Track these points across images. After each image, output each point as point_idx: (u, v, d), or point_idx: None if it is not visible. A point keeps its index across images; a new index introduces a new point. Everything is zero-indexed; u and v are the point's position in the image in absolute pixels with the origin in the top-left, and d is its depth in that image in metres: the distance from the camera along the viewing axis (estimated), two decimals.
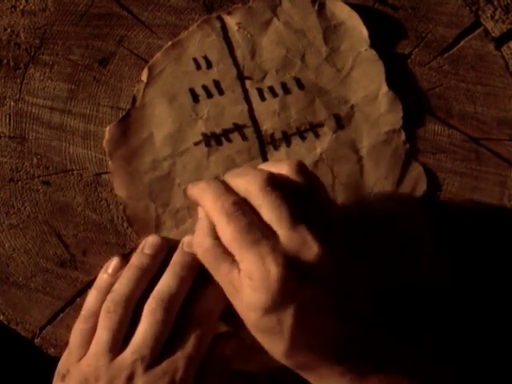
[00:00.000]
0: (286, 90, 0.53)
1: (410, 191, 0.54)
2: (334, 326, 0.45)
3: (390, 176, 0.54)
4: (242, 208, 0.44)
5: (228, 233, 0.44)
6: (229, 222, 0.44)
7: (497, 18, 0.54)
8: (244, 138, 0.53)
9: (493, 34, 0.54)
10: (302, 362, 0.46)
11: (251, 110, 0.53)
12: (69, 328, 0.53)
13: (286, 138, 0.54)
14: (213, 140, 0.53)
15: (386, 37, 0.54)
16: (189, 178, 0.53)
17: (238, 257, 0.44)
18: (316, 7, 0.54)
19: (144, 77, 0.53)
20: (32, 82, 0.53)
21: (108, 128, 0.53)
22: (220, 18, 0.53)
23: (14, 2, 0.53)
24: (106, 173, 0.53)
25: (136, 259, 0.51)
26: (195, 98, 0.53)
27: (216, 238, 0.45)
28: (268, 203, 0.44)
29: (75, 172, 0.53)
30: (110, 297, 0.50)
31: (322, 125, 0.54)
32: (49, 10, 0.53)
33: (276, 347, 0.45)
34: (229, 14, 0.53)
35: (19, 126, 0.53)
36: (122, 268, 0.51)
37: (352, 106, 0.54)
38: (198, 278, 0.51)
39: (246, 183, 0.45)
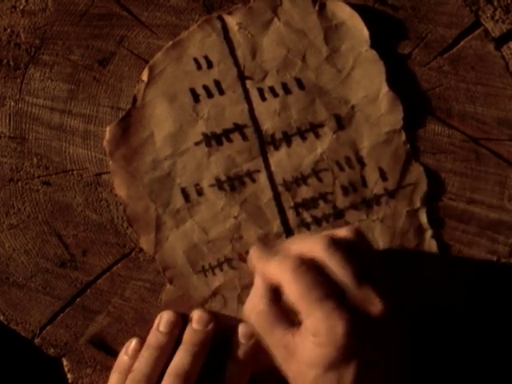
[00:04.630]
0: (287, 90, 0.53)
1: (410, 192, 0.54)
2: None
3: (390, 176, 0.54)
4: (310, 265, 0.46)
5: (295, 289, 0.45)
6: (296, 278, 0.45)
7: (497, 18, 0.54)
8: (244, 137, 0.53)
9: (493, 34, 0.54)
10: None
11: (252, 110, 0.53)
12: (69, 328, 0.53)
13: (287, 138, 0.54)
14: (213, 140, 0.53)
15: (386, 37, 0.54)
16: (189, 177, 0.53)
17: (304, 314, 0.45)
18: (317, 7, 0.54)
19: (145, 76, 0.53)
20: (32, 82, 0.53)
21: (108, 128, 0.53)
22: (221, 18, 0.53)
23: (14, 2, 0.53)
24: (106, 173, 0.53)
25: (152, 338, 0.52)
26: (196, 97, 0.53)
27: (270, 301, 0.47)
28: (333, 262, 0.45)
29: (75, 172, 0.53)
30: (131, 376, 0.51)
31: (322, 125, 0.54)
32: (49, 10, 0.53)
33: None
34: (229, 13, 0.53)
35: (19, 126, 0.53)
36: (140, 349, 0.53)
37: (352, 107, 0.54)
38: (220, 352, 0.52)
39: (310, 246, 0.47)
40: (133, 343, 0.53)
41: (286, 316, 0.47)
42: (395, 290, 0.48)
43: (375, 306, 0.44)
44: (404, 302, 0.51)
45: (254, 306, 0.48)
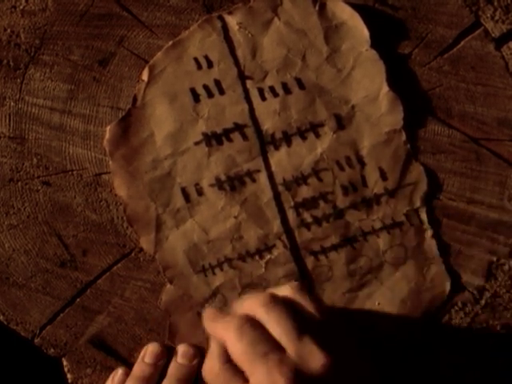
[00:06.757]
0: (287, 90, 0.53)
1: (410, 191, 0.54)
2: None
3: (390, 176, 0.54)
4: (251, 323, 0.46)
5: (238, 347, 0.45)
6: (239, 336, 0.45)
7: (497, 18, 0.54)
8: (245, 137, 0.53)
9: (493, 35, 0.54)
10: None
11: (252, 110, 0.53)
12: (69, 328, 0.54)
13: (287, 138, 0.54)
14: (213, 139, 0.53)
15: (386, 37, 0.54)
16: (189, 177, 0.53)
17: (248, 371, 0.45)
18: (317, 7, 0.53)
19: (145, 76, 0.53)
20: (32, 82, 0.53)
21: (109, 127, 0.53)
22: (221, 18, 0.53)
23: (14, 2, 0.53)
24: (106, 173, 0.53)
25: (138, 369, 0.54)
26: (196, 97, 0.53)
27: (225, 362, 0.47)
28: (273, 318, 0.46)
29: (75, 172, 0.53)
30: None
31: (322, 125, 0.54)
32: (49, 10, 0.53)
33: None
34: (230, 13, 0.53)
35: (19, 127, 0.53)
36: (125, 379, 0.54)
37: (353, 106, 0.54)
38: None
39: (251, 303, 0.47)
40: (118, 373, 0.54)
41: (241, 374, 0.47)
42: (347, 340, 0.48)
43: (317, 359, 0.44)
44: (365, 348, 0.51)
45: (211, 367, 0.48)
